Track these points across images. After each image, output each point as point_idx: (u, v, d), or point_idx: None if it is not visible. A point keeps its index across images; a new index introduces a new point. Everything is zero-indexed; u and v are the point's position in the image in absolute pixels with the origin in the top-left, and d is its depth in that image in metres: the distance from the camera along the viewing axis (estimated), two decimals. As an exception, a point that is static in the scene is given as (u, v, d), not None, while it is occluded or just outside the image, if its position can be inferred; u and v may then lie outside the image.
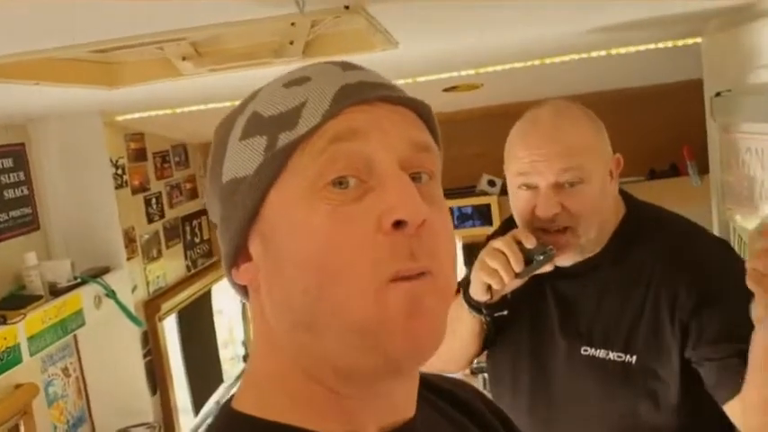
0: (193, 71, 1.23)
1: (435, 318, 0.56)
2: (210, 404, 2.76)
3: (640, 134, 2.93)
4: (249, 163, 0.58)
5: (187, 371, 2.76)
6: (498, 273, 1.20)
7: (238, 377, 3.25)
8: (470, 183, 3.02)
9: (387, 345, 0.55)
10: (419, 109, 0.61)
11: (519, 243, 1.20)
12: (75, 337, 2.15)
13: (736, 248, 1.61)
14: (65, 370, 2.13)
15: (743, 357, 1.06)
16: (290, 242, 0.56)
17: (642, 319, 1.21)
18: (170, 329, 2.61)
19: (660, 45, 2.16)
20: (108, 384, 2.28)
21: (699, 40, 1.80)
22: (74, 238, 2.17)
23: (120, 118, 2.31)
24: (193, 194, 2.97)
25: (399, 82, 2.12)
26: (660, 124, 2.92)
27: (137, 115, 2.30)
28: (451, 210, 3.00)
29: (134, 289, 2.36)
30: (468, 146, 2.81)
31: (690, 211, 2.62)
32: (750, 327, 1.03)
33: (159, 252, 2.60)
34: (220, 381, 3.08)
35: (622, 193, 1.31)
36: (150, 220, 2.55)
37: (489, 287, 1.23)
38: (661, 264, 1.22)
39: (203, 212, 3.06)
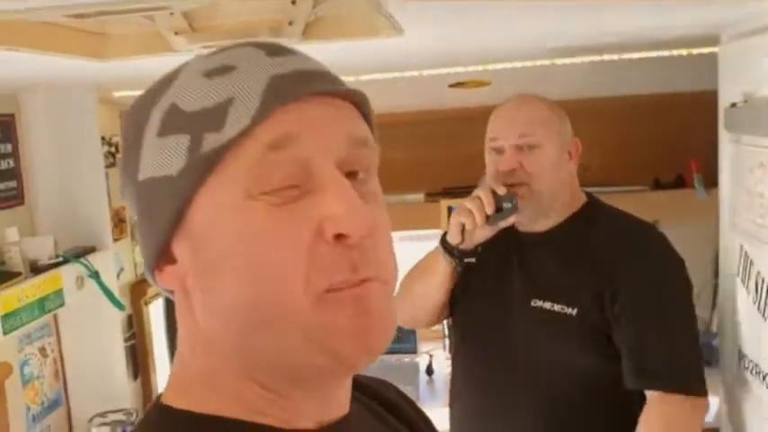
0: (186, 47, 1.17)
1: (383, 315, 0.55)
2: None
3: (647, 143, 2.87)
4: (171, 163, 0.54)
5: (171, 357, 2.70)
6: (473, 213, 1.46)
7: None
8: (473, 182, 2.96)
9: (335, 346, 0.53)
10: (354, 98, 0.57)
11: (494, 193, 1.46)
12: (55, 317, 2.09)
13: (741, 269, 1.55)
14: (42, 350, 2.07)
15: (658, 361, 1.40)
16: (225, 247, 0.53)
17: (586, 284, 1.46)
18: (156, 314, 2.55)
19: (675, 53, 2.11)
20: (87, 367, 2.21)
21: (716, 49, 1.74)
22: (59, 215, 2.11)
23: (116, 94, 2.25)
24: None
25: (404, 74, 2.07)
26: (668, 134, 2.86)
27: (134, 92, 2.23)
28: (450, 210, 2.95)
29: (120, 271, 2.30)
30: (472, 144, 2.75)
31: (694, 225, 2.59)
32: (678, 337, 1.43)
33: (148, 234, 2.53)
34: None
35: (588, 194, 1.60)
36: (141, 201, 2.48)
37: (463, 230, 1.50)
38: (614, 247, 1.48)
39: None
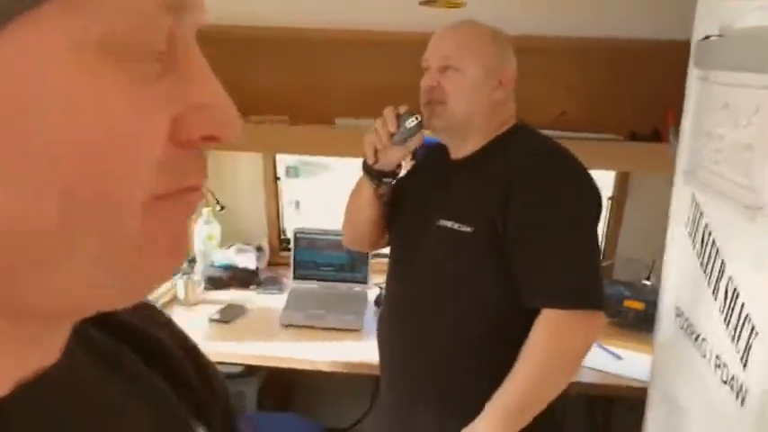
0: None
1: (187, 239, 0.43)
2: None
3: (625, 92, 2.73)
4: None
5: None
6: (379, 132, 1.57)
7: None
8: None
9: (147, 267, 0.40)
10: None
11: (398, 115, 1.55)
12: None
13: (690, 221, 1.43)
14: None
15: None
16: (52, 119, 0.34)
17: (484, 205, 1.49)
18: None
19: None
20: None
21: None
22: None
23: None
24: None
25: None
26: (647, 84, 2.71)
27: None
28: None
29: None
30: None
31: (666, 183, 2.47)
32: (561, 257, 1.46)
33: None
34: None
35: (519, 123, 1.63)
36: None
37: (376, 151, 1.60)
38: (513, 170, 1.50)
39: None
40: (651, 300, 2.57)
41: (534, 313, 1.46)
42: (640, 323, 2.51)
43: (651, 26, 2.44)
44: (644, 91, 2.69)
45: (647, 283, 2.74)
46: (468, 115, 1.56)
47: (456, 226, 1.53)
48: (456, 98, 1.54)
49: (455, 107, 1.55)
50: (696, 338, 1.33)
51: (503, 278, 1.49)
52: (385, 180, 1.66)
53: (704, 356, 1.28)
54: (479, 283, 1.51)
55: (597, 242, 1.49)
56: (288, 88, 2.95)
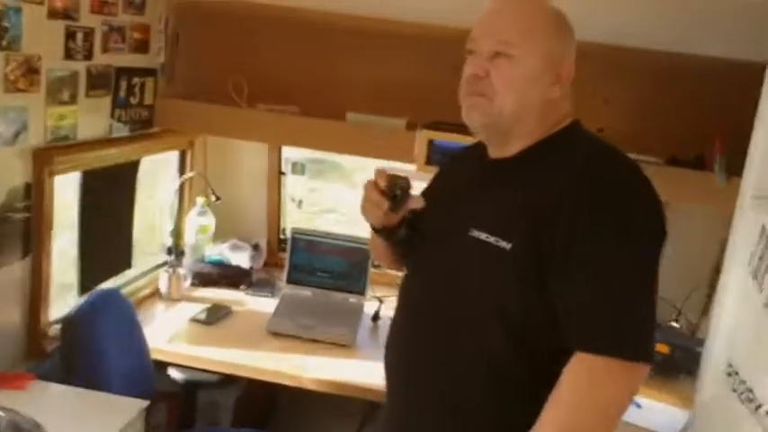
0: None
1: None
2: (102, 287, 2.36)
3: (670, 112, 2.48)
4: None
5: (81, 244, 2.36)
6: (372, 205, 1.41)
7: (153, 269, 2.87)
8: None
9: None
10: None
11: (384, 185, 1.38)
12: None
13: (756, 259, 1.17)
14: None
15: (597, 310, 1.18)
16: None
17: (527, 217, 1.24)
18: (64, 189, 2.20)
19: None
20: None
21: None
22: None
23: None
24: (142, 47, 2.52)
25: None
26: (695, 105, 2.45)
27: None
28: (431, 143, 2.57)
29: (21, 131, 1.93)
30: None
31: (703, 216, 2.22)
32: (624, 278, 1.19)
33: (73, 98, 2.16)
34: (127, 266, 2.68)
35: (574, 121, 1.37)
36: (69, 56, 2.10)
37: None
38: (566, 178, 1.24)
39: (152, 72, 2.61)
40: (679, 344, 2.34)
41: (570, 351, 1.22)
42: (665, 369, 2.28)
43: (710, 42, 2.19)
44: (690, 113, 2.44)
45: (676, 325, 2.51)
46: (517, 114, 1.31)
47: (491, 239, 1.28)
48: (505, 94, 1.29)
49: (503, 104, 1.30)
50: (756, 407, 1.07)
51: (539, 306, 1.25)
52: (395, 233, 1.47)
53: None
54: (510, 310, 1.27)
55: (657, 282, 1.24)
56: (299, 76, 2.71)
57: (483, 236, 1.28)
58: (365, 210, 1.46)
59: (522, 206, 1.27)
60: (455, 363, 1.33)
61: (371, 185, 1.40)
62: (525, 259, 1.23)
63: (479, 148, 1.45)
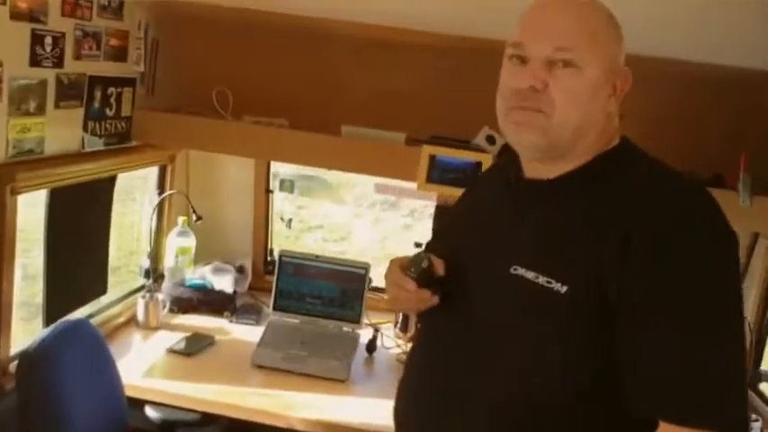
0: None
1: None
2: (69, 318, 2.14)
3: (689, 126, 2.33)
4: None
5: (48, 269, 2.15)
6: (403, 301, 1.28)
7: (129, 294, 2.66)
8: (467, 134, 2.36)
9: None
10: None
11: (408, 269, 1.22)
12: None
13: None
14: None
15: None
16: None
17: (588, 255, 1.06)
18: (27, 209, 2.00)
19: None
20: None
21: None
22: None
23: None
24: (119, 55, 2.33)
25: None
26: (715, 120, 2.30)
27: None
28: (434, 159, 2.38)
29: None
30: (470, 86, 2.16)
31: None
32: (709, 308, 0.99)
33: (41, 108, 1.96)
34: (102, 291, 2.48)
35: (623, 137, 1.21)
36: (36, 63, 1.91)
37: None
38: (634, 210, 1.06)
39: (130, 82, 2.42)
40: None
41: (636, 424, 1.02)
42: None
43: (732, 52, 2.03)
44: (710, 128, 2.28)
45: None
46: (580, 133, 1.13)
47: (542, 280, 1.08)
48: (569, 110, 1.10)
49: (565, 122, 1.11)
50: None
51: (599, 363, 1.06)
52: (429, 306, 1.28)
53: None
54: (560, 360, 1.08)
55: (745, 335, 1.08)
56: (288, 86, 2.53)
57: (530, 275, 1.10)
58: (396, 299, 1.30)
59: (579, 240, 1.08)
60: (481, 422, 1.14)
61: (391, 272, 1.28)
62: (586, 305, 1.05)
63: (504, 167, 1.28)
